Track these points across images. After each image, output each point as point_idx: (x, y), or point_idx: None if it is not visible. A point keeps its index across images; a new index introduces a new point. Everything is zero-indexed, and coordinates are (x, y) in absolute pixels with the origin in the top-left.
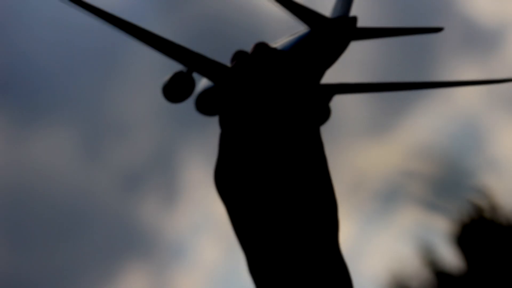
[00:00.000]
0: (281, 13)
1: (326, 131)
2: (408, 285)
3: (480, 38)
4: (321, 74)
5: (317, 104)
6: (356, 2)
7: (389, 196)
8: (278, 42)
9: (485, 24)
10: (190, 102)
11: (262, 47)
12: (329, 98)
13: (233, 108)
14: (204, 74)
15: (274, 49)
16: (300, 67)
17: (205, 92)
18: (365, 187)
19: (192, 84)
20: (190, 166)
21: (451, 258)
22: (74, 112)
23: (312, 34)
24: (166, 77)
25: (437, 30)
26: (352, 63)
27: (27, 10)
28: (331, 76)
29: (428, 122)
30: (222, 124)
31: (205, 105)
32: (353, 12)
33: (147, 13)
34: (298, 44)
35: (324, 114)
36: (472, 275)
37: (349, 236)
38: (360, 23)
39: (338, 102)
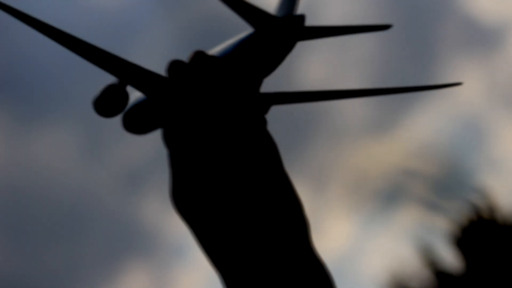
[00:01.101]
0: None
1: (327, 131)
2: (408, 285)
3: (482, 37)
4: (263, 78)
5: (254, 113)
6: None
7: (389, 196)
8: (221, 45)
9: (487, 23)
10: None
11: (199, 56)
12: (266, 109)
13: (174, 123)
14: (137, 86)
15: (213, 57)
16: (240, 74)
17: (134, 108)
18: (365, 186)
19: (125, 98)
20: None
21: (451, 258)
22: (75, 111)
23: (257, 34)
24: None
25: (386, 27)
26: (351, 62)
27: (28, 9)
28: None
29: (429, 121)
30: (166, 140)
31: (134, 123)
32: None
33: (148, 13)
34: (241, 46)
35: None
36: (472, 275)
37: (349, 236)
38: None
39: (339, 101)
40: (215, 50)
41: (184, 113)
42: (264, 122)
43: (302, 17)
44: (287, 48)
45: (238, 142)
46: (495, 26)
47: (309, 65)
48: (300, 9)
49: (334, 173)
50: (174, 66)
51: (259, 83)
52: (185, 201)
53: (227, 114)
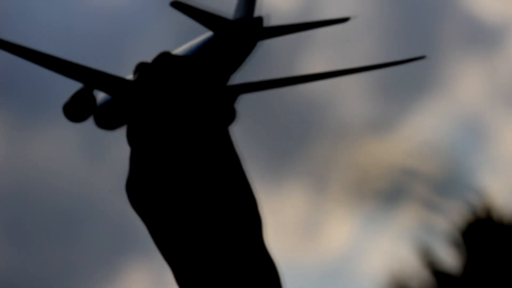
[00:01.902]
0: (282, 12)
1: (327, 130)
2: (408, 285)
3: (483, 37)
4: (228, 76)
5: (222, 105)
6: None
7: (390, 195)
8: (183, 47)
9: (488, 23)
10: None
11: (163, 57)
12: (234, 99)
13: (139, 121)
14: (105, 90)
15: (177, 57)
16: (204, 73)
17: (104, 106)
18: (366, 186)
19: (92, 103)
20: None
21: (450, 258)
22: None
23: (216, 38)
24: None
25: (344, 20)
26: (352, 61)
27: (31, 11)
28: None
29: (430, 121)
30: (130, 137)
31: (105, 119)
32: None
33: (149, 12)
34: (203, 48)
35: (231, 115)
36: (471, 275)
37: (349, 236)
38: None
39: (340, 101)
40: (179, 50)
41: (146, 112)
42: (234, 112)
43: (260, 19)
44: (247, 48)
45: (197, 141)
46: (496, 26)
47: (310, 65)
48: (300, 8)
49: (335, 172)
50: (140, 67)
51: (225, 80)
52: (141, 195)
53: (189, 113)
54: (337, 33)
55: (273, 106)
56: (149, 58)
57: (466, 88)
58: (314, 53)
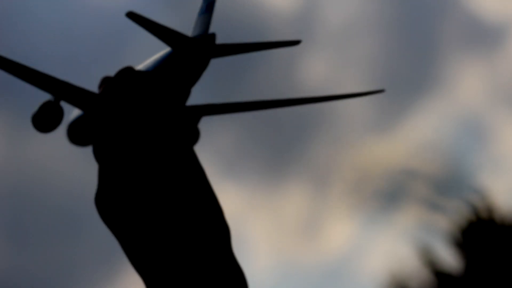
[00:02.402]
0: (283, 11)
1: (328, 131)
2: (408, 285)
3: (483, 36)
4: (186, 93)
5: (185, 126)
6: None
7: (390, 195)
8: (146, 62)
9: (488, 22)
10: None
11: (125, 72)
12: (197, 120)
13: (104, 136)
14: (71, 102)
15: (139, 72)
16: (163, 88)
17: (76, 121)
18: (366, 186)
19: (60, 113)
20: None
21: (450, 258)
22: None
23: (174, 53)
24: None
25: (296, 43)
26: (352, 61)
27: (30, 10)
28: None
29: (431, 120)
30: (96, 152)
31: (77, 135)
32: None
33: (150, 11)
34: (161, 64)
35: (194, 135)
36: (471, 275)
37: (350, 236)
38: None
39: (341, 100)
40: (142, 65)
41: (111, 127)
42: (197, 133)
43: (212, 36)
44: (201, 64)
45: (162, 154)
46: (497, 25)
47: (311, 64)
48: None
49: (335, 172)
50: (104, 82)
51: (183, 96)
52: (110, 209)
53: (152, 127)
54: (338, 32)
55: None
56: (148, 52)
57: (466, 88)
58: (315, 52)
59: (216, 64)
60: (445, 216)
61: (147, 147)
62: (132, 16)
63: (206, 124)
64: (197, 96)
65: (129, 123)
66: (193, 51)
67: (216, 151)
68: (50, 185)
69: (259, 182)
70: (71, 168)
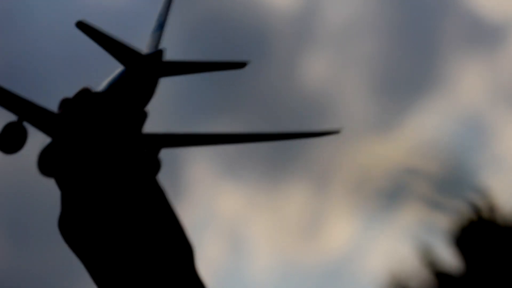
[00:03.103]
0: (283, 10)
1: (329, 128)
2: (408, 285)
3: (485, 35)
4: (140, 112)
5: (145, 155)
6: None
7: (391, 194)
8: (106, 80)
9: (489, 21)
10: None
11: (82, 93)
12: (157, 150)
13: (64, 157)
14: (33, 123)
15: (95, 94)
16: (115, 109)
17: (45, 151)
18: (367, 185)
19: (23, 135)
20: (194, 163)
21: (451, 258)
22: None
23: (127, 72)
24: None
25: (242, 65)
26: (354, 60)
27: (30, 10)
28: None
29: (432, 119)
30: (58, 175)
31: (45, 165)
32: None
33: (148, 12)
34: (116, 83)
35: (155, 165)
36: (471, 275)
37: (351, 235)
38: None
39: (342, 100)
40: (102, 85)
41: (71, 150)
42: (158, 163)
43: (159, 52)
44: (151, 82)
45: (122, 177)
46: (498, 24)
47: (311, 64)
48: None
49: (336, 171)
50: (63, 103)
51: (138, 116)
52: (73, 232)
53: (111, 148)
54: (338, 31)
55: (274, 104)
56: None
57: (468, 87)
58: (315, 52)
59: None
60: (446, 215)
61: (105, 170)
62: (81, 26)
63: (206, 124)
64: (197, 95)
65: (85, 146)
66: (141, 68)
67: (217, 151)
68: (51, 184)
69: (260, 182)
70: None
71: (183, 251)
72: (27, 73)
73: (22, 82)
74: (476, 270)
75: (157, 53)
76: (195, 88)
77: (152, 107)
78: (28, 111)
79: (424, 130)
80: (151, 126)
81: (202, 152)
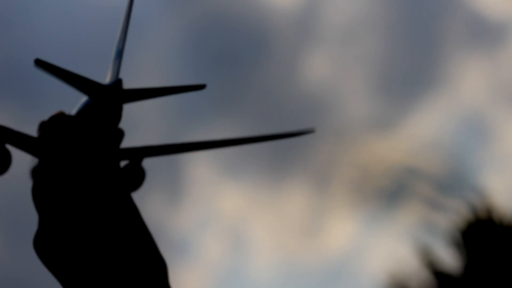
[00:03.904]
0: (285, 9)
1: (330, 129)
2: (407, 285)
3: (486, 34)
4: (113, 131)
5: (117, 167)
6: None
7: (391, 194)
8: (76, 107)
9: (490, 19)
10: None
11: (56, 118)
12: (139, 161)
13: (40, 179)
14: (14, 145)
15: (68, 117)
16: (89, 129)
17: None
18: (368, 184)
19: (7, 156)
20: (195, 162)
21: (451, 258)
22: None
23: (90, 101)
24: None
25: (202, 87)
26: (355, 59)
27: (35, 6)
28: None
29: (433, 119)
30: (35, 195)
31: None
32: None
33: (151, 11)
34: (83, 110)
35: (139, 174)
36: (472, 275)
37: (351, 235)
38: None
39: (343, 99)
40: (73, 111)
41: (46, 170)
42: (142, 173)
43: (119, 82)
44: (114, 109)
45: (97, 196)
46: (499, 23)
47: (313, 62)
48: (304, 6)
49: (337, 171)
50: (40, 127)
51: (112, 134)
52: (48, 249)
53: (85, 169)
54: (340, 30)
55: (275, 104)
56: (152, 59)
57: (469, 86)
58: (317, 50)
59: (216, 63)
60: (447, 215)
61: (80, 190)
62: (40, 63)
63: (206, 124)
64: (198, 95)
65: (60, 167)
66: (102, 98)
67: (218, 150)
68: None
69: (260, 181)
70: None
71: (156, 268)
72: (26, 72)
73: (23, 81)
74: (476, 270)
75: (117, 83)
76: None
77: (154, 106)
78: (6, 136)
79: (425, 130)
80: (155, 127)
81: (203, 152)
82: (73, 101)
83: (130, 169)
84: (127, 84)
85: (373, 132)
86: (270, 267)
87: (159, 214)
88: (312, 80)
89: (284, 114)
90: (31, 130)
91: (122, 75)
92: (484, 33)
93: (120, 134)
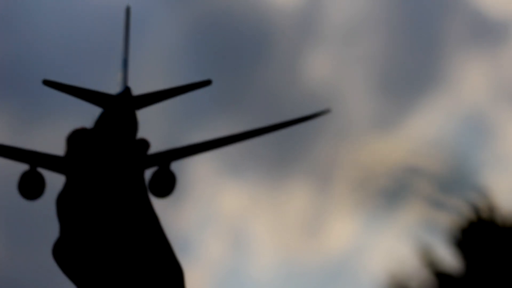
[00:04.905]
0: (287, 8)
1: (331, 127)
2: (408, 285)
3: (488, 32)
4: (136, 140)
5: (140, 174)
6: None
7: (393, 193)
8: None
9: (493, 18)
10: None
11: (78, 133)
12: (167, 165)
13: (68, 191)
14: (44, 167)
15: (89, 131)
16: (108, 142)
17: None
18: (369, 184)
19: (40, 179)
20: (196, 161)
21: (451, 258)
22: (80, 107)
23: (104, 112)
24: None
25: (207, 83)
26: (357, 57)
27: (36, 8)
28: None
29: (434, 118)
30: (59, 207)
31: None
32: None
33: (152, 11)
34: (99, 122)
35: (170, 181)
36: (472, 275)
37: (352, 234)
38: None
39: (344, 98)
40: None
41: (74, 184)
42: (173, 179)
43: (127, 90)
44: (129, 118)
45: (119, 205)
46: (501, 22)
47: (315, 62)
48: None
49: (338, 170)
50: (65, 142)
51: (135, 143)
52: (69, 257)
53: (109, 180)
54: (342, 29)
55: (276, 103)
56: (153, 58)
57: (470, 85)
58: (319, 49)
59: (217, 62)
60: (447, 214)
61: (106, 199)
62: (48, 83)
63: (207, 123)
64: (199, 94)
65: (86, 180)
66: (114, 107)
67: (219, 149)
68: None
69: (261, 180)
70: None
71: (173, 273)
72: (28, 71)
73: (24, 80)
74: (476, 270)
75: (125, 91)
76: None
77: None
78: (36, 159)
79: (426, 128)
80: (159, 129)
81: (204, 159)
82: (73, 102)
83: (160, 175)
84: (136, 91)
85: (374, 131)
86: (271, 266)
87: (159, 213)
88: (314, 79)
89: (284, 113)
90: (31, 130)
91: (130, 82)
92: (485, 33)
93: (145, 143)
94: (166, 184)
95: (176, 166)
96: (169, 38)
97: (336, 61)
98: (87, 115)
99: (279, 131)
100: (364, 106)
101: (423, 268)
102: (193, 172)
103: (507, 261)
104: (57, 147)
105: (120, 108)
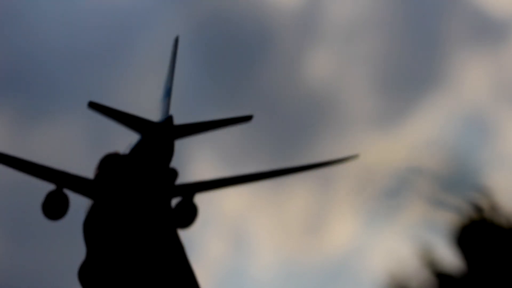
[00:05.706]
0: (289, 8)
1: (332, 127)
2: (408, 285)
3: (489, 31)
4: (167, 170)
5: (168, 204)
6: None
7: (395, 192)
8: (128, 147)
9: (494, 17)
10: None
11: (109, 158)
12: (191, 197)
13: (98, 214)
14: (72, 189)
15: (123, 157)
16: (144, 168)
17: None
18: (371, 183)
19: (65, 201)
20: (196, 161)
21: (451, 258)
22: (81, 107)
23: (144, 138)
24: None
25: (248, 118)
26: (358, 57)
27: (36, 8)
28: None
29: (436, 117)
30: (89, 228)
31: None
32: None
33: (154, 10)
34: (136, 148)
35: (191, 213)
36: (472, 275)
37: (353, 234)
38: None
39: (345, 97)
40: (125, 151)
41: (102, 206)
42: (194, 210)
43: (170, 118)
44: (166, 146)
45: (146, 232)
46: (502, 21)
47: (316, 61)
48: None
49: (339, 170)
50: (97, 166)
51: (166, 172)
52: (94, 281)
53: (138, 208)
54: (343, 29)
55: (278, 103)
56: (152, 58)
57: (471, 84)
58: (320, 48)
59: (217, 61)
60: (448, 214)
61: (135, 226)
62: (93, 105)
63: (210, 117)
64: (199, 95)
65: (114, 205)
66: (155, 135)
67: (220, 149)
68: (49, 186)
69: (263, 180)
70: (74, 164)
71: None
72: (30, 69)
73: (26, 78)
74: (477, 270)
75: (168, 120)
76: (201, 83)
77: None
78: (64, 180)
79: (427, 128)
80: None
81: (206, 151)
82: (73, 101)
83: (183, 206)
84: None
85: (376, 130)
86: (271, 265)
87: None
88: (315, 78)
89: (285, 113)
90: (32, 130)
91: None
92: (486, 32)
93: (174, 173)
94: (188, 217)
95: (177, 166)
96: (169, 38)
97: (337, 60)
98: (87, 117)
99: (304, 172)
100: (365, 105)
101: (424, 268)
102: (193, 171)
103: (507, 261)
104: (57, 147)
105: (162, 136)
